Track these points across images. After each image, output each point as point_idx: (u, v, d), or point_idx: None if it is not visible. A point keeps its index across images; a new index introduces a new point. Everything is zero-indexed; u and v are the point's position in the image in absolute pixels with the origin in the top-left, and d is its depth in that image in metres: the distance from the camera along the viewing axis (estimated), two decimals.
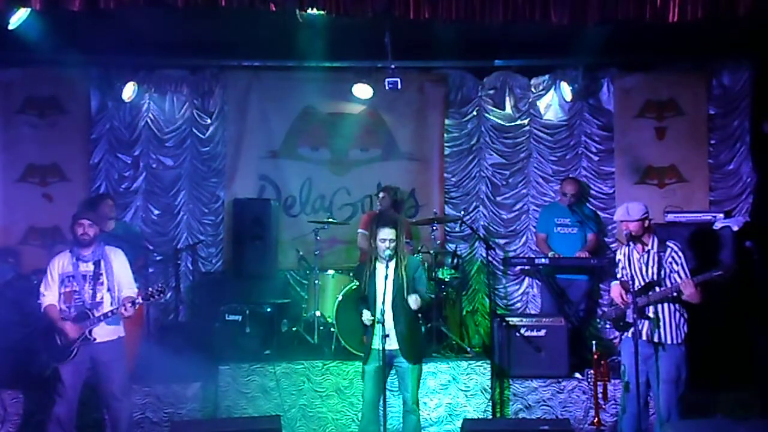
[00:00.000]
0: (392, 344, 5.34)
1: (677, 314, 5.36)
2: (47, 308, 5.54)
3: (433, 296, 5.66)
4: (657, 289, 5.34)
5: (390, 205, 7.63)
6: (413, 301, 5.30)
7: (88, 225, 5.59)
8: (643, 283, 5.40)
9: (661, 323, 5.34)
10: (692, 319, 5.47)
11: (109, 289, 5.58)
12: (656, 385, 5.33)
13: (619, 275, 5.62)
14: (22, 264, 7.59)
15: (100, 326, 5.51)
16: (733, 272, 5.22)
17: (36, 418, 6.14)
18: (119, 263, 5.69)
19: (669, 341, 5.33)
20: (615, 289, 5.54)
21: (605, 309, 5.67)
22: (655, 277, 5.36)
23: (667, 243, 5.45)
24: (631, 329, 5.31)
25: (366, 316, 5.39)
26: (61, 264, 5.60)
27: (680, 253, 5.38)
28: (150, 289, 5.63)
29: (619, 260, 5.63)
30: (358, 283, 5.75)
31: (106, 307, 5.52)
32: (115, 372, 5.59)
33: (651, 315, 5.35)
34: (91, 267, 5.58)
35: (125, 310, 5.45)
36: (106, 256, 5.64)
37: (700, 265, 5.72)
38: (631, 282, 5.40)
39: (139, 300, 5.57)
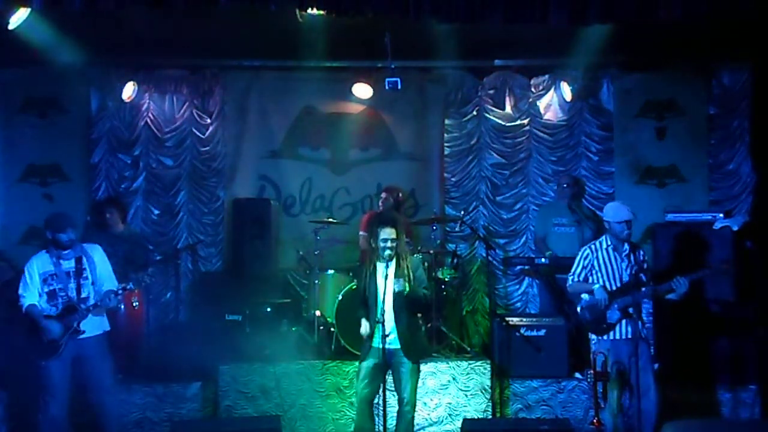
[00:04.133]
0: (392, 343, 5.36)
1: (646, 312, 5.80)
2: (28, 308, 5.56)
3: (429, 294, 5.69)
4: (642, 289, 5.48)
5: (392, 206, 7.63)
6: (399, 283, 5.32)
7: (61, 233, 5.62)
8: (620, 284, 5.57)
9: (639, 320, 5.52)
10: (693, 318, 5.56)
11: (93, 283, 5.65)
12: (647, 378, 5.46)
13: (579, 276, 5.75)
14: (22, 264, 7.55)
15: (88, 319, 5.55)
16: (723, 267, 5.57)
17: (34, 418, 6.11)
18: (99, 258, 5.76)
19: (646, 336, 5.64)
20: (602, 293, 5.58)
21: (584, 314, 5.71)
22: (633, 277, 5.49)
23: (635, 244, 5.70)
24: (615, 329, 5.53)
25: (364, 328, 5.42)
26: (40, 264, 5.64)
27: (646, 255, 5.77)
28: (141, 274, 5.87)
29: (589, 261, 5.74)
30: (356, 284, 5.76)
31: (92, 301, 5.57)
32: (103, 365, 5.65)
33: (632, 313, 5.49)
34: (72, 263, 5.64)
35: (116, 295, 5.56)
36: (86, 251, 5.71)
37: (695, 266, 5.78)
38: (610, 283, 5.60)
39: (131, 286, 5.70)
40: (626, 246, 5.62)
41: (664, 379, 5.90)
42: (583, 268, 5.75)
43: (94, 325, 5.61)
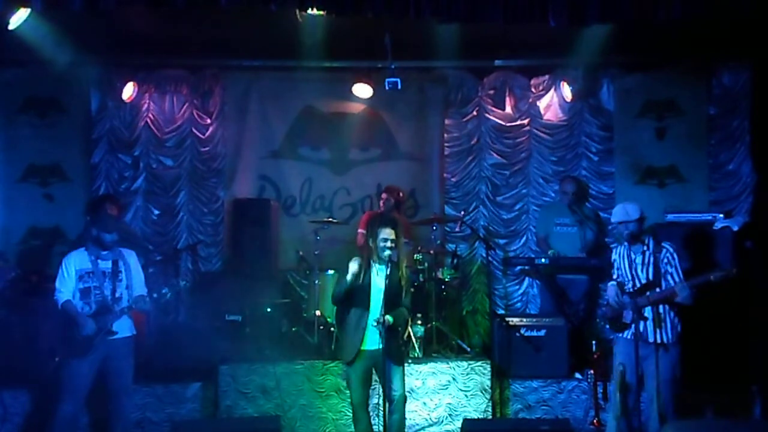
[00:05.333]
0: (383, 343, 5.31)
1: (672, 314, 5.41)
2: (65, 304, 5.59)
3: (408, 314, 5.72)
4: (657, 289, 5.35)
5: (393, 206, 7.62)
6: (386, 321, 5.27)
7: (108, 234, 5.69)
8: (640, 284, 5.42)
9: (649, 323, 5.37)
10: (692, 319, 5.49)
11: (127, 287, 5.70)
12: (654, 384, 5.34)
13: (615, 276, 5.65)
14: (22, 264, 7.59)
15: (121, 321, 5.62)
16: (730, 274, 5.16)
17: (37, 418, 6.13)
18: (134, 263, 5.83)
19: (666, 341, 5.36)
20: (611, 290, 5.55)
21: (603, 309, 5.68)
22: (652, 277, 5.39)
23: (663, 244, 5.50)
24: (629, 329, 5.38)
25: (353, 267, 5.34)
26: (78, 260, 5.68)
27: (675, 255, 5.44)
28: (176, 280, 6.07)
29: (615, 260, 5.67)
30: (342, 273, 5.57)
31: (125, 303, 5.64)
32: (127, 367, 5.71)
33: (647, 315, 5.36)
34: (110, 264, 5.70)
35: (150, 299, 5.69)
36: (123, 255, 5.78)
37: (696, 266, 5.74)
38: (628, 283, 5.47)
39: (165, 290, 5.77)
40: (649, 245, 5.47)
41: None
42: (614, 269, 5.68)
43: (124, 327, 5.67)
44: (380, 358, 5.29)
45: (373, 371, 5.46)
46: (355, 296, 5.43)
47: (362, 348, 5.35)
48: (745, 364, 6.50)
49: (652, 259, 5.41)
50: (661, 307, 5.38)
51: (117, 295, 5.64)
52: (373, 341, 5.30)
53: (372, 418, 5.61)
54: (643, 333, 5.36)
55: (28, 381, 6.29)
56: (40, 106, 8.21)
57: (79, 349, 5.50)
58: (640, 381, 5.42)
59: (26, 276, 7.08)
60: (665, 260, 5.42)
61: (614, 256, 5.68)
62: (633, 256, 5.52)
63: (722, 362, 6.45)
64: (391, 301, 5.35)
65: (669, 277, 5.38)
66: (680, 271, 5.39)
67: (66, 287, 5.62)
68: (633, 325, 5.36)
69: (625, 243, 5.57)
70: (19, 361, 6.36)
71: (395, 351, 5.45)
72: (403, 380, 5.47)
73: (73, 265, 5.65)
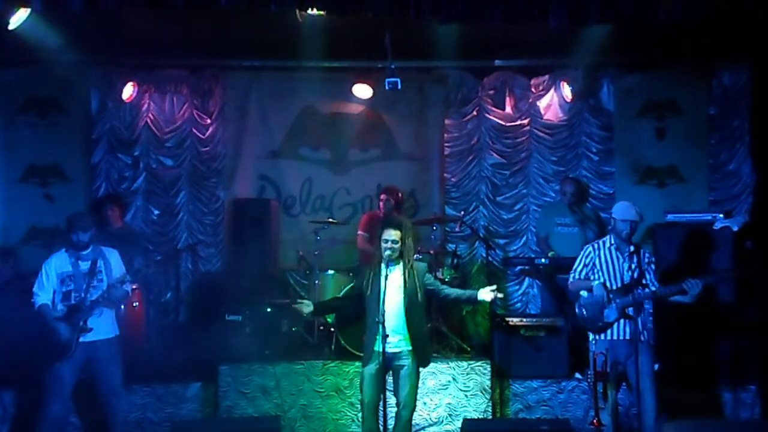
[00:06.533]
0: (394, 346, 5.28)
1: (647, 313, 5.60)
2: (41, 307, 5.58)
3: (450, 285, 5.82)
4: (639, 290, 5.42)
5: (392, 206, 7.61)
6: (487, 294, 5.30)
7: (82, 233, 5.65)
8: (621, 284, 5.53)
9: (639, 322, 5.45)
10: (691, 319, 5.54)
11: (108, 286, 5.64)
12: (648, 381, 5.42)
13: (580, 274, 5.71)
14: (22, 264, 7.59)
15: (96, 321, 5.56)
16: (739, 274, 5.31)
17: (35, 418, 6.13)
18: (116, 262, 5.79)
19: (647, 339, 5.54)
20: (599, 290, 5.56)
21: (580, 310, 5.67)
22: (635, 277, 5.46)
23: (640, 246, 5.62)
24: (612, 328, 5.51)
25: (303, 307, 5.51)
26: (58, 263, 5.66)
27: (653, 257, 5.68)
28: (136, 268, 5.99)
29: (590, 259, 5.71)
30: (355, 282, 5.70)
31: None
32: (114, 367, 5.68)
33: (632, 314, 5.46)
34: (89, 265, 5.66)
35: (122, 284, 5.60)
36: (104, 254, 5.74)
37: (696, 266, 5.78)
38: (610, 282, 5.56)
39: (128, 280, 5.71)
40: (629, 246, 5.56)
41: (664, 379, 5.87)
42: (585, 265, 5.72)
43: (105, 328, 5.64)
44: (391, 360, 5.28)
45: (390, 375, 5.42)
46: (368, 300, 5.42)
47: (375, 349, 5.34)
48: (740, 364, 6.53)
49: (635, 260, 5.49)
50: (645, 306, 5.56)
51: (95, 296, 5.59)
52: (381, 341, 5.24)
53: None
54: (634, 331, 5.40)
55: (27, 381, 6.28)
56: (40, 106, 8.20)
57: (58, 351, 5.49)
58: (636, 379, 5.44)
59: (26, 276, 7.08)
60: (646, 261, 5.57)
61: (591, 255, 5.71)
62: (621, 257, 5.60)
63: (726, 362, 6.48)
64: (410, 298, 5.32)
65: (648, 277, 5.52)
66: (655, 273, 5.61)
67: (44, 291, 5.59)
68: (617, 324, 5.49)
69: (610, 242, 5.66)
70: (19, 361, 6.35)
71: (421, 350, 5.38)
72: (414, 389, 5.38)
73: (54, 268, 5.64)
